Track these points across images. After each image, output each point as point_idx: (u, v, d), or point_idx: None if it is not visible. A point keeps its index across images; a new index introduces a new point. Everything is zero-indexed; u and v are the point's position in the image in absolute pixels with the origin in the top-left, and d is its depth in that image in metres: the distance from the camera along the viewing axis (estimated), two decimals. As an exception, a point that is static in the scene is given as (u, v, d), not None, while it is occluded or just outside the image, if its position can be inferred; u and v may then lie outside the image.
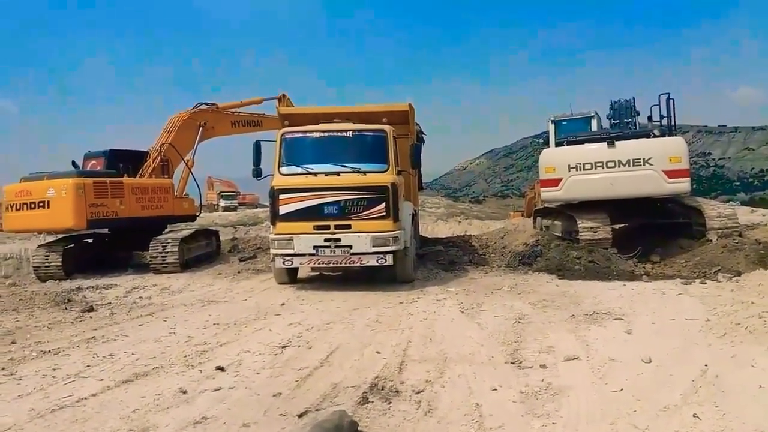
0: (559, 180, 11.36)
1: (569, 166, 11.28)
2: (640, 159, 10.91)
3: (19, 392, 4.99)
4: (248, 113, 17.21)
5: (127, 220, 12.97)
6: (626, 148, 11.09)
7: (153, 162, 14.35)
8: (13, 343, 6.82)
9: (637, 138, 11.49)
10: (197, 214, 15.88)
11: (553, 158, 11.85)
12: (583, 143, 11.73)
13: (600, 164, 11.09)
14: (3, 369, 5.70)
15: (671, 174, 10.80)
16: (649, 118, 12.86)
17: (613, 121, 14.60)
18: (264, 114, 17.38)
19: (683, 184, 10.91)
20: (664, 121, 12.37)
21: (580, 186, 11.21)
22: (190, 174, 15.50)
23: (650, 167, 10.85)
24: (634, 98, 14.95)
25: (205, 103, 16.19)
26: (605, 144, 11.20)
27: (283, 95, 17.80)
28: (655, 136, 11.65)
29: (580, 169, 11.19)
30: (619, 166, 11.00)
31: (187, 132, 15.32)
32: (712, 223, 11.24)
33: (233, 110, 16.92)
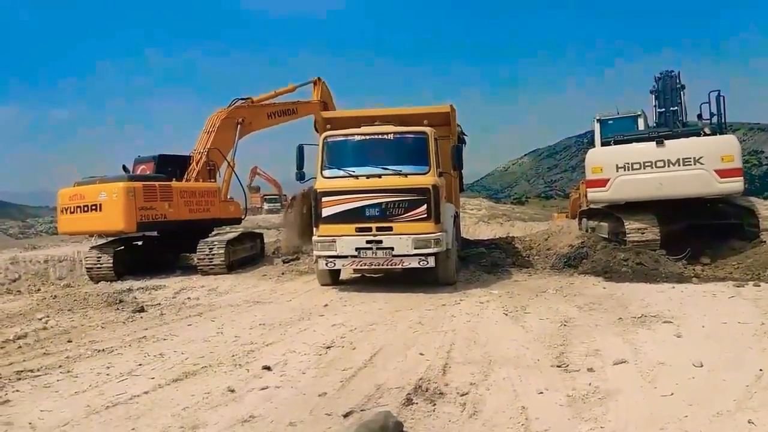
0: (607, 180, 11.11)
1: (617, 166, 11.02)
2: (690, 158, 10.58)
3: (75, 389, 5.18)
4: (282, 103, 17.00)
5: (176, 223, 13.27)
6: (676, 147, 10.78)
7: (197, 166, 14.58)
8: (69, 341, 7.09)
9: (687, 137, 11.17)
10: (242, 217, 15.97)
11: (600, 158, 11.60)
12: (630, 142, 11.44)
13: (649, 164, 10.81)
14: (60, 366, 5.93)
15: (723, 173, 10.45)
16: (699, 116, 12.52)
17: (657, 109, 14.22)
18: (298, 101, 17.20)
19: (736, 184, 10.56)
20: (715, 119, 12.02)
21: (627, 186, 10.95)
22: (234, 176, 15.61)
23: (701, 166, 10.52)
24: (679, 72, 14.63)
25: (240, 99, 16.01)
26: (654, 143, 10.91)
27: (318, 79, 17.53)
28: (705, 135, 11.31)
29: (628, 169, 10.91)
30: (668, 166, 10.70)
31: (226, 132, 15.28)
32: (766, 224, 10.86)
33: (268, 102, 16.73)
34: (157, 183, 13.08)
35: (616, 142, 11.69)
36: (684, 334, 6.14)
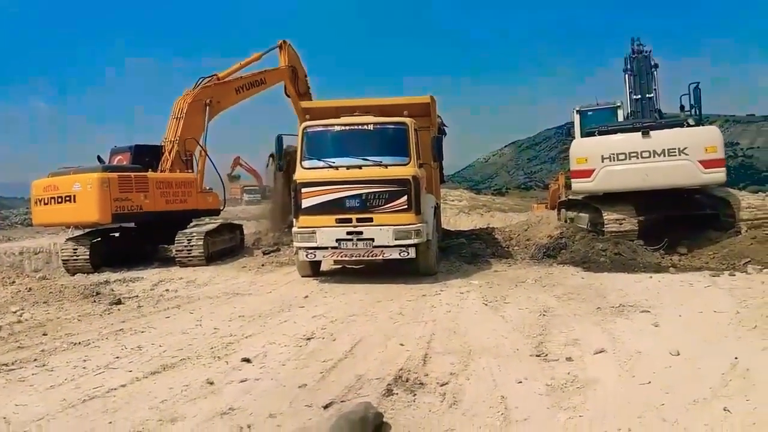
0: (592, 171, 11.16)
1: (602, 156, 11.07)
2: (675, 149, 10.69)
3: (51, 383, 5.10)
4: (249, 74, 16.32)
5: (152, 214, 13.12)
6: (661, 138, 10.87)
7: (170, 155, 14.28)
8: (44, 335, 6.97)
9: (671, 127, 11.26)
10: (221, 208, 15.67)
11: (585, 149, 11.63)
12: (615, 133, 11.49)
13: (634, 154, 10.88)
14: (35, 360, 5.83)
15: (707, 164, 10.59)
16: (682, 108, 12.62)
17: (634, 96, 14.16)
18: (265, 70, 16.57)
19: (719, 174, 10.70)
20: (694, 111, 12.15)
21: (613, 177, 11.01)
22: (210, 164, 15.23)
23: (686, 157, 10.63)
24: (650, 51, 14.55)
25: (206, 77, 15.42)
26: (639, 134, 10.99)
27: (283, 42, 16.80)
28: (689, 126, 11.40)
29: (614, 160, 10.98)
30: (653, 157, 10.79)
31: (195, 116, 14.79)
32: (741, 214, 11.04)
33: (234, 76, 16.08)
34: (132, 174, 12.92)
35: (601, 133, 11.71)
36: (661, 323, 6.22)
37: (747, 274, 8.82)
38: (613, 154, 11.01)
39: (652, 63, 14.34)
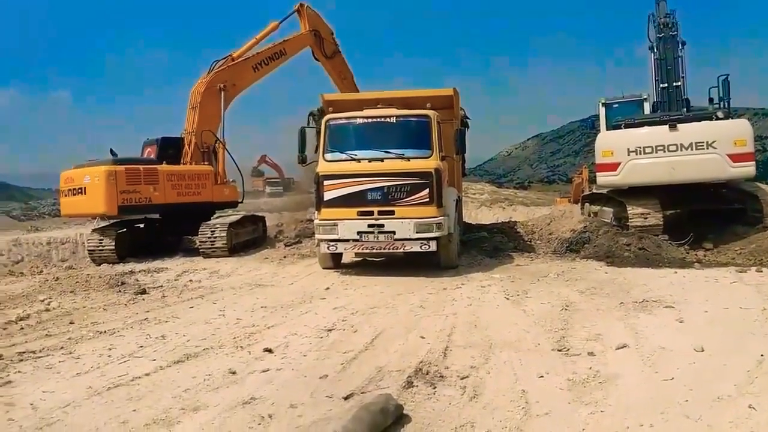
0: (618, 164, 11.00)
1: (628, 149, 10.90)
2: (703, 142, 10.48)
3: (77, 370, 5.21)
4: (268, 47, 15.40)
5: (163, 206, 13.27)
6: (689, 131, 10.66)
7: (189, 148, 14.32)
8: (71, 323, 7.12)
9: (699, 120, 11.04)
10: (239, 200, 15.38)
11: (611, 142, 11.46)
12: (642, 126, 11.29)
13: (661, 148, 10.69)
14: (62, 348, 5.96)
15: (736, 158, 10.37)
16: (710, 100, 12.34)
17: (660, 84, 13.47)
18: (285, 39, 15.62)
19: (748, 168, 10.48)
20: (723, 104, 11.89)
21: (639, 170, 10.85)
22: (228, 156, 14.90)
23: (714, 151, 10.42)
24: (676, 22, 13.62)
25: (220, 60, 14.79)
26: (667, 127, 10.78)
27: (301, 5, 15.79)
28: (718, 119, 11.17)
29: (640, 153, 10.80)
30: (681, 150, 10.58)
31: (211, 105, 14.38)
32: None
33: (252, 52, 15.20)
34: (141, 166, 13.08)
35: (627, 126, 11.51)
36: (685, 319, 6.13)
37: (775, 270, 8.64)
38: (640, 147, 10.83)
39: (680, 42, 13.63)
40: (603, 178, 11.52)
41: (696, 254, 10.39)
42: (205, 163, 14.54)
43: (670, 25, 13.49)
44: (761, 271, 8.56)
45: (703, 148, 10.49)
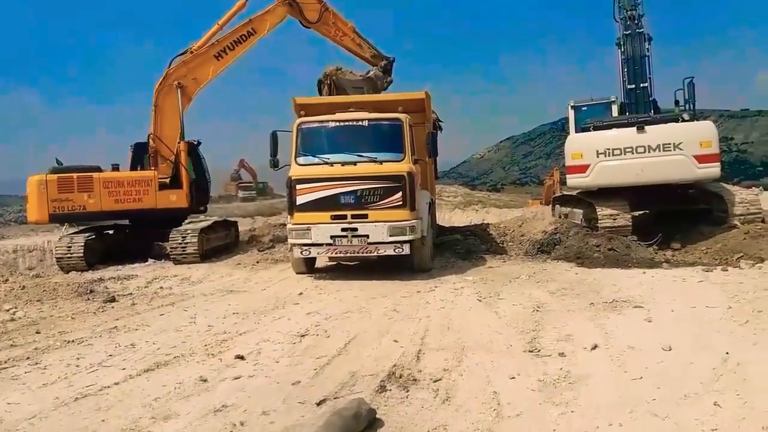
0: (587, 166, 11.16)
1: (597, 151, 11.07)
2: (670, 144, 10.70)
3: (43, 381, 5.10)
4: (231, 30, 13.99)
5: (98, 213, 13.18)
6: (656, 133, 10.87)
7: (151, 152, 13.97)
8: (37, 333, 6.95)
9: (666, 122, 11.26)
10: (187, 206, 13.89)
11: (581, 144, 11.63)
12: (611, 128, 11.47)
13: (629, 149, 10.88)
14: (28, 358, 5.82)
15: (702, 159, 10.61)
16: (677, 103, 12.59)
17: (627, 85, 13.45)
18: (251, 18, 14.01)
19: (714, 169, 10.73)
20: (688, 106, 12.14)
21: (609, 172, 11.01)
22: (186, 158, 13.99)
23: (681, 152, 10.65)
24: (641, 16, 13.51)
25: (180, 53, 13.82)
26: (635, 129, 10.98)
27: None
28: (684, 120, 11.40)
29: (609, 155, 10.97)
30: (649, 152, 10.79)
31: (170, 104, 13.66)
32: (734, 209, 11.08)
33: (213, 41, 13.90)
34: (75, 175, 12.99)
35: (596, 128, 11.69)
36: (654, 318, 6.25)
37: (739, 269, 8.86)
38: (609, 149, 11.00)
39: (647, 36, 13.61)
40: (573, 180, 11.68)
41: (664, 254, 10.59)
42: (151, 168, 14.00)
43: (635, 19, 13.50)
44: (726, 271, 8.75)
45: (670, 150, 10.70)
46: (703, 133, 10.89)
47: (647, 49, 13.61)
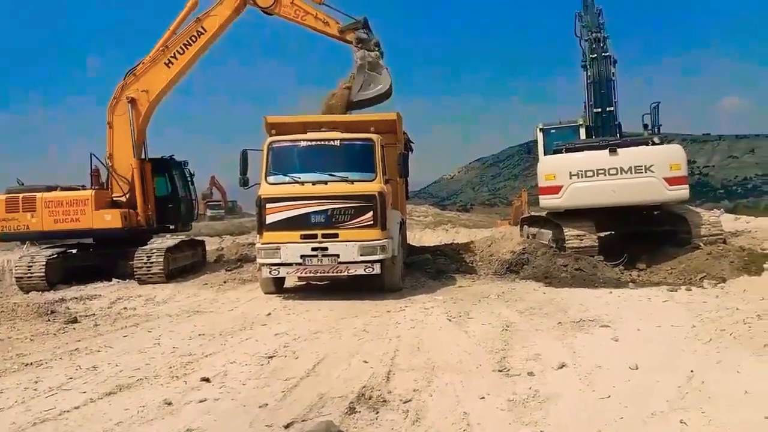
0: (560, 187, 11.28)
1: (570, 173, 11.20)
2: (641, 166, 10.90)
3: (0, 405, 4.90)
4: (181, 33, 13.26)
5: (40, 233, 13.23)
6: (628, 156, 11.08)
7: (109, 171, 13.76)
8: (-6, 355, 6.71)
9: (637, 145, 11.49)
10: (122, 227, 13.07)
11: (553, 165, 11.75)
12: (583, 150, 11.65)
13: (602, 171, 11.04)
14: (-17, 382, 5.60)
15: (672, 181, 10.85)
16: (645, 126, 12.90)
17: (594, 109, 13.74)
18: (199, 16, 13.25)
19: (683, 191, 10.98)
20: (655, 130, 12.45)
21: (581, 193, 11.14)
22: (138, 176, 13.54)
23: (651, 174, 10.86)
24: (606, 38, 13.73)
25: (135, 66, 13.28)
26: (607, 151, 11.17)
27: None
28: (654, 144, 11.66)
29: (582, 177, 11.12)
30: (621, 174, 10.97)
31: (123, 121, 13.23)
32: (697, 231, 11.32)
33: (164, 47, 13.25)
34: (21, 194, 13.06)
35: (568, 150, 11.84)
36: (620, 337, 6.31)
37: (703, 288, 9.04)
38: (581, 170, 11.15)
39: (612, 60, 13.86)
40: (546, 201, 11.78)
41: (630, 274, 10.77)
42: (97, 188, 13.79)
43: (600, 41, 13.79)
44: (690, 290, 8.92)
45: (642, 172, 10.92)
46: (672, 157, 11.16)
47: (612, 72, 13.95)
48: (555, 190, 11.39)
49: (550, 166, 11.82)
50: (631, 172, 10.96)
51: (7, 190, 13.30)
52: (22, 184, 13.59)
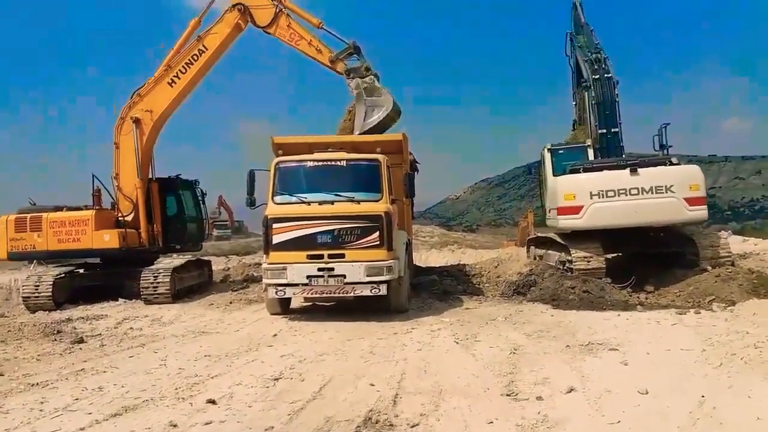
0: (580, 207, 11.14)
1: (591, 193, 11.08)
2: (662, 186, 10.83)
3: (5, 426, 4.89)
4: (182, 53, 13.39)
5: (45, 253, 13.40)
6: (649, 176, 11.00)
7: (116, 191, 13.87)
8: (0, 375, 6.70)
9: (655, 165, 11.41)
10: (120, 247, 13.06)
11: (573, 185, 11.54)
12: (602, 170, 11.51)
13: (623, 191, 10.94)
14: (-11, 402, 5.58)
15: (692, 201, 10.80)
16: (662, 146, 12.88)
17: (599, 129, 13.29)
18: (200, 35, 13.38)
19: (702, 212, 10.94)
20: (665, 151, 12.45)
21: (603, 213, 11.02)
22: (142, 196, 13.62)
23: (672, 194, 10.80)
24: (606, 58, 13.53)
25: (137, 89, 13.44)
26: (628, 171, 11.09)
27: None
28: (671, 164, 11.62)
29: (603, 197, 11.02)
30: (642, 193, 10.88)
31: (128, 142, 13.44)
32: (705, 253, 11.25)
33: (167, 66, 13.42)
34: (29, 215, 13.26)
35: (586, 170, 11.70)
36: (630, 361, 6.26)
37: (712, 311, 8.95)
38: (602, 190, 11.03)
39: (614, 81, 13.58)
40: (565, 222, 11.60)
41: (638, 297, 10.67)
42: (100, 208, 13.90)
43: (602, 62, 13.58)
44: (699, 313, 8.84)
45: (662, 192, 10.84)
46: (692, 177, 11.12)
47: (616, 94, 13.90)
48: (575, 210, 11.25)
49: (570, 186, 11.58)
50: (652, 192, 10.87)
51: (18, 210, 13.50)
52: (34, 204, 13.76)
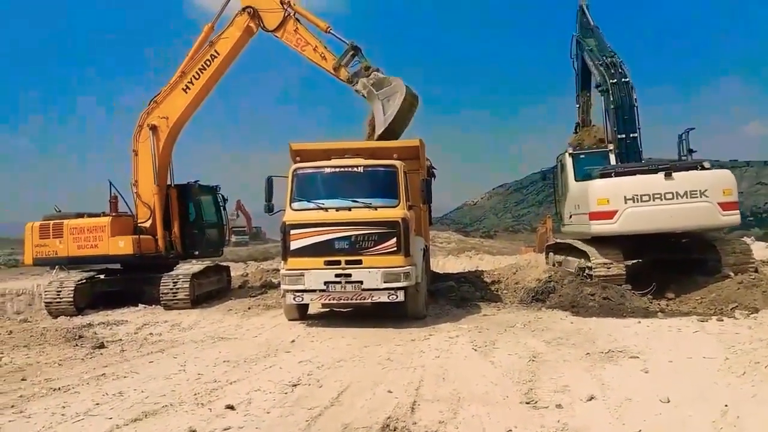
0: (614, 212, 11.00)
1: (625, 197, 10.95)
2: (696, 191, 10.73)
3: (27, 430, 4.96)
4: (195, 59, 13.52)
5: (67, 259, 13.55)
6: (683, 180, 10.88)
7: (135, 198, 14.01)
8: (23, 380, 6.80)
9: (687, 170, 11.26)
10: (134, 253, 13.12)
11: (607, 189, 11.34)
12: (634, 174, 11.34)
13: (658, 196, 10.83)
14: (12, 406, 5.67)
15: (725, 206, 10.70)
16: (690, 151, 12.72)
17: (618, 135, 12.95)
18: (213, 40, 13.50)
19: (735, 217, 10.83)
20: (690, 156, 12.31)
21: (638, 218, 10.89)
22: (159, 203, 13.78)
23: (706, 199, 10.69)
24: (621, 62, 13.36)
25: (154, 96, 13.65)
26: (662, 175, 10.97)
27: None
28: (703, 168, 11.48)
29: (638, 201, 10.90)
30: (676, 198, 10.77)
31: (146, 148, 13.60)
32: (727, 259, 11.09)
33: (181, 73, 13.59)
34: (51, 221, 13.52)
35: (618, 174, 11.49)
36: (651, 369, 6.18)
37: (735, 319, 8.82)
38: (637, 195, 10.89)
39: (631, 85, 13.35)
40: (598, 227, 11.39)
41: (659, 303, 10.53)
42: (116, 214, 13.96)
43: (617, 67, 13.33)
44: (722, 321, 8.71)
45: (697, 197, 10.72)
46: (725, 182, 11.01)
47: (635, 99, 13.71)
48: (609, 215, 11.09)
49: (603, 190, 11.37)
50: (686, 197, 10.76)
51: (43, 217, 13.74)
52: (59, 211, 13.98)
